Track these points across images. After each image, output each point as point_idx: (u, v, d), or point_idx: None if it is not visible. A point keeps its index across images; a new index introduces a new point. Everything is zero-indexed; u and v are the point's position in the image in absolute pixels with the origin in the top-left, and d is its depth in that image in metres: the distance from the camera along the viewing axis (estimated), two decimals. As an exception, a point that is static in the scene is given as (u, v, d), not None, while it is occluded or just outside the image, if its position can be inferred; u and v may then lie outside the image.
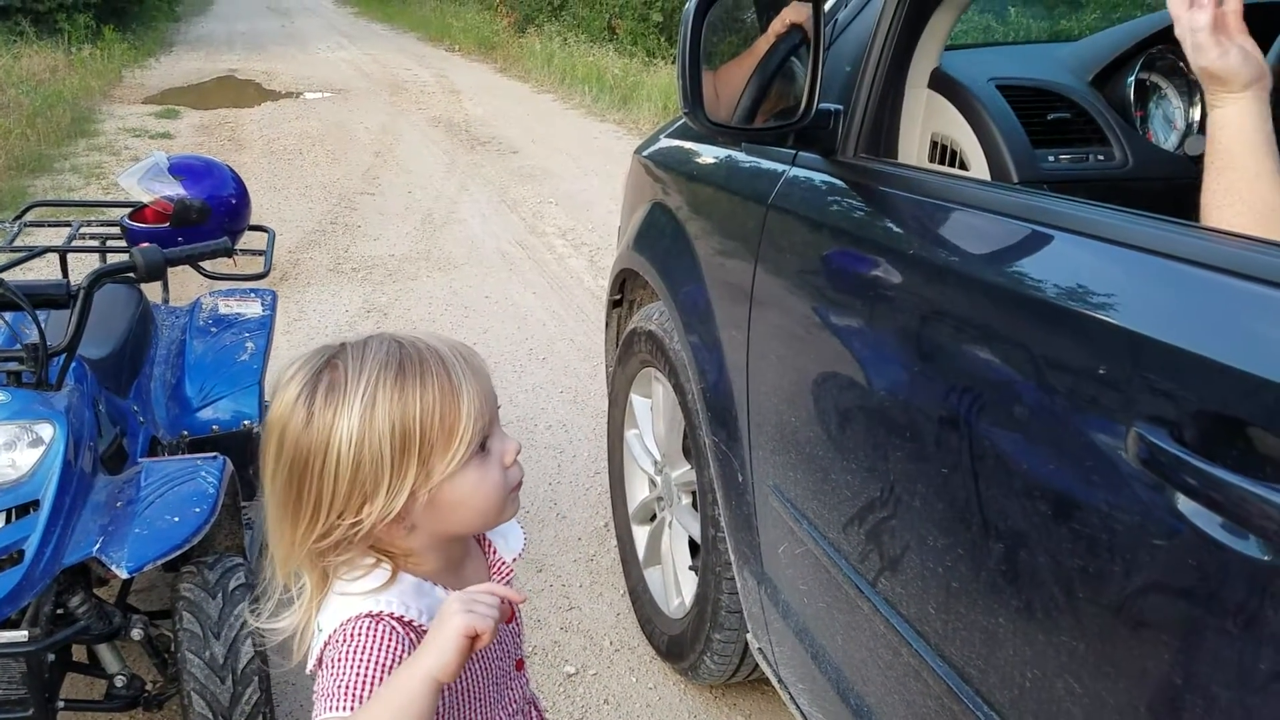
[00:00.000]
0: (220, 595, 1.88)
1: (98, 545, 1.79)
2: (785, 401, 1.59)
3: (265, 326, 2.59)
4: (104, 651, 1.95)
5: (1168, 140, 1.59)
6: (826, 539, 1.47)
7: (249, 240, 2.69)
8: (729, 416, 1.83)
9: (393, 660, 0.93)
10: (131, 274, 1.97)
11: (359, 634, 0.94)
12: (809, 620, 1.59)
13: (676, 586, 2.27)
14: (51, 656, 1.84)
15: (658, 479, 2.38)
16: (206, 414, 2.39)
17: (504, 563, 1.10)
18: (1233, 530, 0.81)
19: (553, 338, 4.35)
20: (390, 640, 0.94)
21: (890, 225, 1.38)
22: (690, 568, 2.24)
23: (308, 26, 18.38)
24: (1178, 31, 1.18)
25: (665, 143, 2.41)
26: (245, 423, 2.40)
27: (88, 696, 2.12)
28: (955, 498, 1.16)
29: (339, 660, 0.93)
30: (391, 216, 6.18)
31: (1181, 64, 1.61)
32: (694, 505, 2.22)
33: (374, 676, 0.92)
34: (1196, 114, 1.61)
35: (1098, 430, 0.95)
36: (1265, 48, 1.32)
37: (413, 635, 0.96)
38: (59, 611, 1.86)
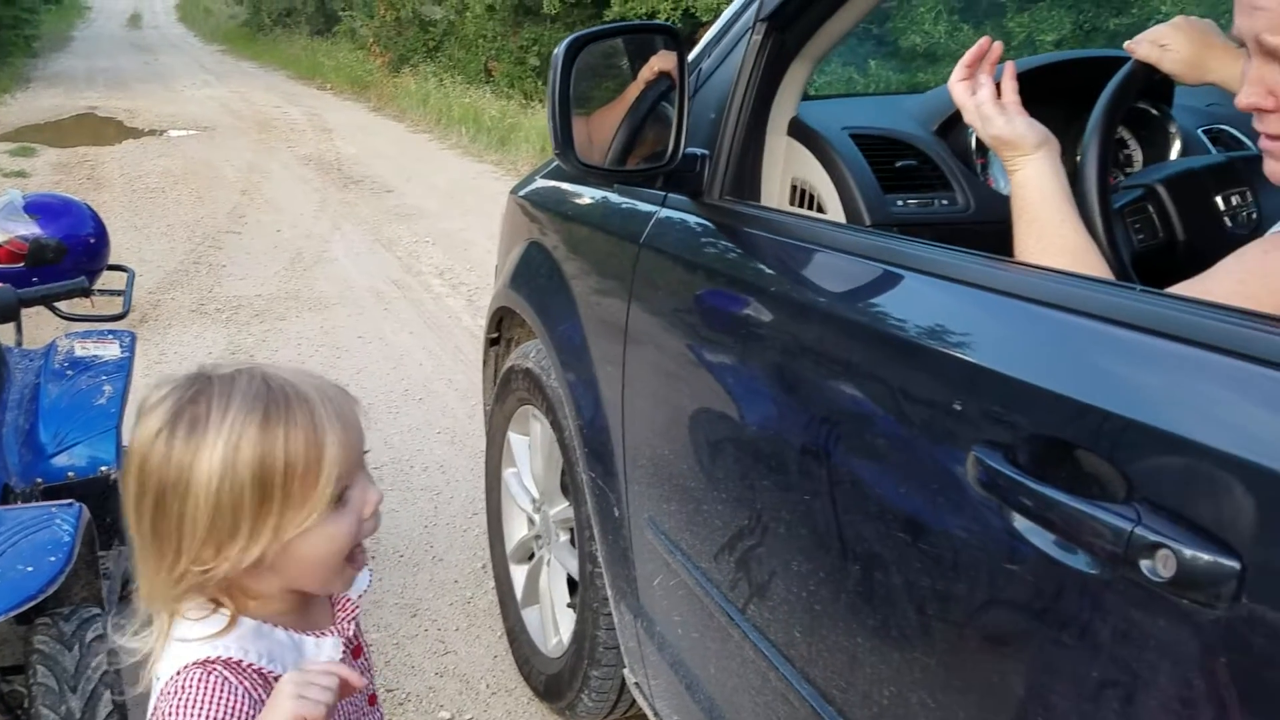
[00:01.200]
0: (77, 647, 1.80)
1: (-57, 599, 1.69)
2: (659, 435, 1.62)
3: (124, 369, 2.50)
4: (-53, 713, 1.84)
5: (1006, 186, 1.70)
6: (699, 569, 1.51)
7: (108, 280, 2.60)
8: (605, 452, 1.86)
9: (224, 713, 0.92)
10: (-19, 315, 1.89)
11: (189, 687, 0.92)
12: (684, 651, 1.62)
13: (554, 625, 2.27)
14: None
15: (536, 517, 2.38)
16: (62, 460, 2.29)
17: (348, 600, 1.10)
18: (1064, 547, 0.87)
19: (430, 378, 4.31)
20: (222, 693, 0.93)
21: (754, 264, 1.44)
22: (568, 605, 2.24)
23: (173, 63, 17.86)
24: (966, 117, 1.33)
25: (541, 183, 2.44)
26: (103, 469, 2.30)
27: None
28: (817, 524, 1.21)
29: (169, 715, 0.92)
30: (259, 255, 6.04)
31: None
32: (572, 542, 2.23)
33: None
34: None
35: (942, 456, 1.02)
36: (1078, 107, 1.44)
37: (247, 682, 0.95)
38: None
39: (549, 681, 2.25)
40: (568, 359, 2.04)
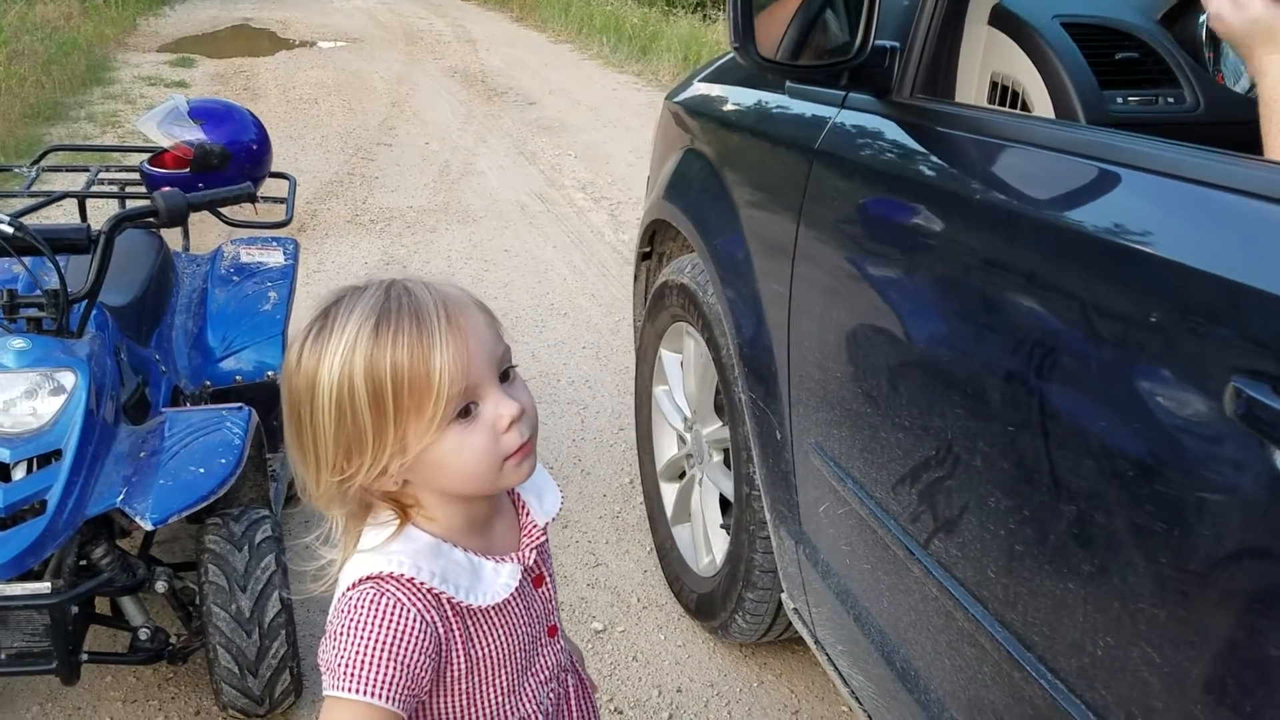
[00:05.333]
0: (246, 548, 1.85)
1: (121, 496, 1.75)
2: (831, 357, 1.52)
3: (287, 276, 2.54)
4: (127, 604, 1.92)
5: (1239, 83, 1.51)
6: (873, 499, 1.42)
7: (269, 188, 2.63)
8: (767, 372, 1.77)
9: (395, 639, 0.89)
10: (153, 219, 1.92)
11: (361, 606, 0.90)
12: (852, 582, 1.54)
13: (706, 544, 2.23)
14: (75, 609, 1.81)
15: (687, 436, 2.33)
16: (229, 364, 2.35)
17: (535, 526, 1.05)
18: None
19: (574, 293, 4.29)
20: (395, 616, 0.90)
21: (953, 169, 1.31)
22: (721, 526, 2.19)
23: (322, -25, 18.10)
24: (1211, 6, 1.14)
25: (699, 88, 2.33)
26: (269, 373, 2.35)
27: (111, 649, 2.10)
28: (1023, 457, 1.10)
29: (341, 634, 0.90)
30: (408, 168, 6.10)
31: None
32: (726, 463, 2.17)
33: (377, 657, 0.88)
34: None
35: (1187, 385, 0.89)
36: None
37: (419, 603, 0.91)
38: (82, 563, 1.83)
39: (701, 600, 2.21)
40: (728, 274, 1.95)
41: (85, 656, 1.84)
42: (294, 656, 1.89)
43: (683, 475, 2.39)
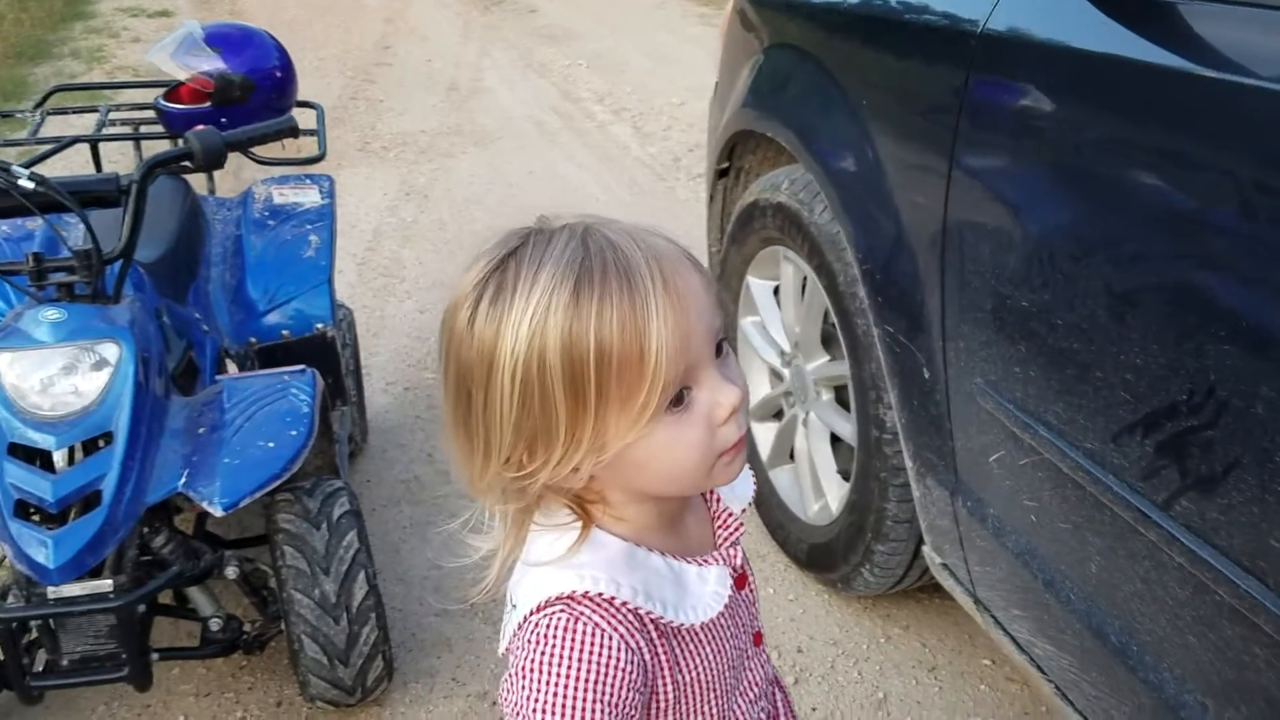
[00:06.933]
0: (325, 525, 1.65)
1: (183, 479, 1.55)
2: (1013, 284, 1.30)
3: (326, 217, 2.29)
4: (195, 593, 1.73)
5: None
6: (1081, 449, 1.21)
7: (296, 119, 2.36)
8: (911, 302, 1.55)
9: (600, 675, 0.71)
10: (188, 162, 1.67)
11: (554, 635, 0.72)
12: (1040, 542, 1.34)
13: (816, 490, 2.03)
14: (142, 606, 1.62)
15: (785, 372, 2.11)
16: (274, 318, 2.12)
17: (730, 515, 0.85)
18: None
19: (609, 214, 3.99)
20: (597, 646, 0.72)
21: (1186, 47, 1.07)
22: (836, 471, 1.99)
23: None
24: None
25: (784, -23, 2.05)
26: (318, 326, 2.13)
27: (175, 639, 1.92)
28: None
29: (532, 672, 0.71)
30: (413, 89, 5.78)
31: None
32: (838, 402, 1.96)
33: (579, 700, 0.70)
34: None
35: None
36: None
37: (621, 628, 0.73)
38: (143, 555, 1.63)
39: (814, 551, 2.03)
40: (848, 191, 1.72)
41: (156, 656, 1.66)
42: (385, 641, 1.71)
43: (779, 414, 2.18)
